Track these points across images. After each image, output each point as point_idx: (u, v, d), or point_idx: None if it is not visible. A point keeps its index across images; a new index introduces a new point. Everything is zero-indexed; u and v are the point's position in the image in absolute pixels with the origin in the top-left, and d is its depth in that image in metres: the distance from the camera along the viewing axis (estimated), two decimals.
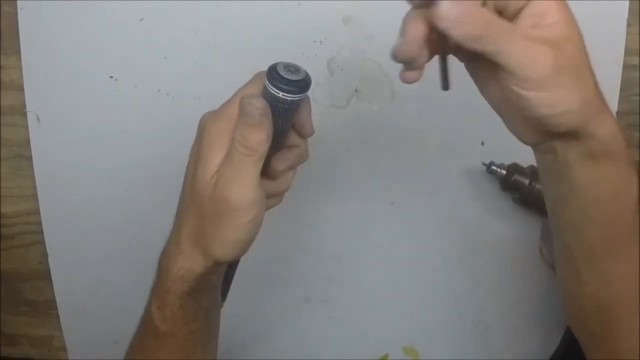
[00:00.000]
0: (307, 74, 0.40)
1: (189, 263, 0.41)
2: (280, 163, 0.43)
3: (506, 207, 0.63)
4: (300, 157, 0.44)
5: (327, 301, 0.66)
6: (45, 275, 0.65)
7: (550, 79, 0.33)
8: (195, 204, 0.41)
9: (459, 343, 0.67)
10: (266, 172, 0.42)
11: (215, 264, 0.41)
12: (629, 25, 0.56)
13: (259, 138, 0.38)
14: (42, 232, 0.63)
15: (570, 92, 0.34)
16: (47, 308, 0.67)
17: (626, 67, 0.58)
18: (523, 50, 0.33)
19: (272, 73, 0.39)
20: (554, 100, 0.34)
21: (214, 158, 0.40)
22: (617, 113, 0.59)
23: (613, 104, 0.58)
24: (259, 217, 0.40)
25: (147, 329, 0.43)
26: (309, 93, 0.41)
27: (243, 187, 0.39)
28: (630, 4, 0.56)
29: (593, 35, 0.56)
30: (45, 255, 0.64)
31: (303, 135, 0.43)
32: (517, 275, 0.64)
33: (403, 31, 0.35)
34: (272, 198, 0.44)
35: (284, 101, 0.39)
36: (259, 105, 0.38)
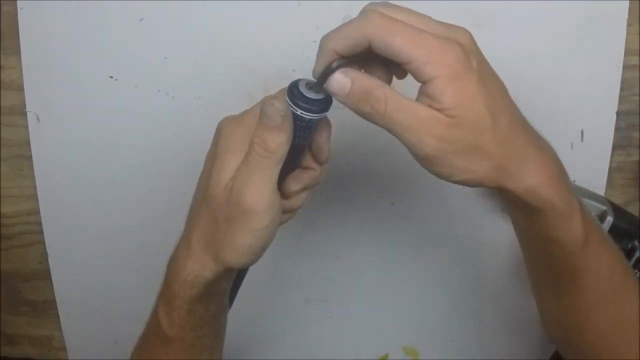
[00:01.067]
0: (327, 94, 0.39)
1: (199, 267, 0.40)
2: (293, 183, 0.42)
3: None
4: (315, 180, 0.43)
5: (327, 301, 0.66)
6: (45, 275, 0.65)
7: (437, 159, 0.36)
8: (209, 207, 0.40)
9: (459, 343, 0.67)
10: (280, 189, 0.41)
11: (225, 270, 0.40)
12: (629, 25, 0.56)
13: (278, 140, 0.38)
14: (42, 232, 0.63)
15: (459, 170, 0.36)
16: (47, 308, 0.67)
17: (626, 67, 0.57)
18: (409, 131, 0.35)
19: (293, 90, 0.38)
20: (446, 174, 0.37)
21: (231, 162, 0.39)
22: (617, 113, 0.59)
23: (613, 104, 0.58)
24: (274, 223, 0.39)
25: (154, 332, 0.43)
26: (332, 120, 0.41)
27: (258, 190, 0.38)
28: (630, 4, 0.56)
29: (593, 35, 0.57)
30: (45, 255, 0.64)
31: (319, 160, 0.43)
32: (517, 275, 0.64)
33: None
34: (284, 214, 0.43)
35: (302, 119, 0.39)
36: (280, 107, 0.38)
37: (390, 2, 0.36)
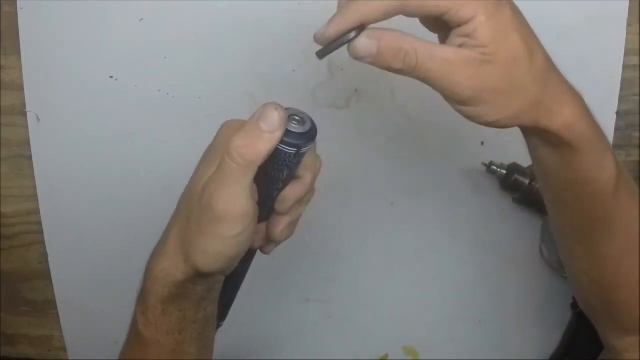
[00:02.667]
0: (312, 125, 0.37)
1: (171, 266, 0.39)
2: (282, 204, 0.41)
3: (506, 207, 0.63)
4: (304, 188, 0.41)
5: (326, 301, 0.66)
6: (45, 275, 0.65)
7: (473, 100, 0.35)
8: (187, 206, 0.39)
9: (459, 343, 0.67)
10: (271, 210, 0.41)
11: (196, 273, 0.38)
12: (629, 25, 0.56)
13: (260, 149, 0.36)
14: (42, 232, 0.63)
15: (497, 107, 0.36)
16: (47, 308, 0.67)
17: (626, 67, 0.57)
18: (443, 77, 0.34)
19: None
20: (482, 114, 0.36)
21: (214, 165, 0.38)
22: (617, 113, 0.59)
23: (613, 104, 0.58)
24: (246, 234, 0.38)
25: (132, 334, 0.42)
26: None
27: (229, 198, 0.36)
28: (630, 4, 0.56)
29: (593, 35, 0.57)
30: (45, 255, 0.64)
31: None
32: (517, 275, 0.64)
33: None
34: (283, 231, 0.42)
35: (285, 154, 0.37)
36: (283, 116, 0.36)
37: None
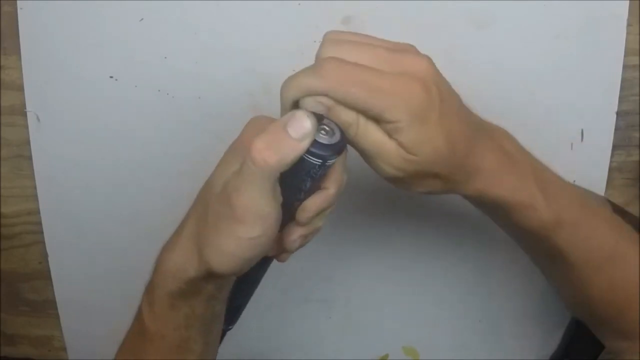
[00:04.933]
0: (341, 137, 0.36)
1: (184, 261, 0.38)
2: (302, 214, 0.40)
3: None
4: (327, 200, 0.40)
5: (326, 301, 0.66)
6: (45, 275, 0.65)
7: (393, 179, 0.38)
8: (206, 201, 0.38)
9: (459, 343, 0.67)
10: (290, 219, 0.40)
11: (208, 272, 0.37)
12: (629, 25, 0.56)
13: (285, 155, 0.34)
14: (42, 232, 0.63)
15: (414, 186, 0.39)
16: (47, 308, 0.67)
17: (626, 67, 0.57)
18: (371, 158, 0.38)
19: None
20: (403, 189, 0.40)
21: (237, 162, 0.37)
22: (617, 113, 0.59)
23: (613, 104, 0.58)
24: (264, 237, 0.36)
25: (136, 327, 0.41)
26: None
27: (249, 198, 0.35)
28: (630, 4, 0.56)
29: (593, 35, 0.57)
30: (45, 255, 0.64)
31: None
32: (517, 275, 0.64)
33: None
34: (295, 241, 0.41)
35: (310, 164, 0.36)
36: (314, 123, 0.35)
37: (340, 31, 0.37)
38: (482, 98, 0.39)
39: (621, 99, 0.58)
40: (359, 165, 0.62)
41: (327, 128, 0.36)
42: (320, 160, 0.35)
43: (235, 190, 0.35)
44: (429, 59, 0.37)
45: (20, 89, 0.59)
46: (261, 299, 0.65)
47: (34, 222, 0.63)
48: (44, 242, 0.64)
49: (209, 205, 0.38)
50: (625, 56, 0.57)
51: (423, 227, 0.64)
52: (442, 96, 0.36)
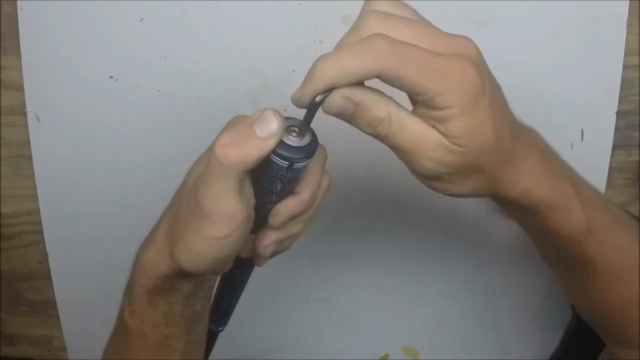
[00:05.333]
0: (312, 141, 0.35)
1: (157, 258, 0.38)
2: (274, 217, 0.38)
3: None
4: (300, 205, 0.38)
5: (326, 301, 0.66)
6: (45, 275, 0.65)
7: (432, 177, 0.36)
8: (179, 198, 0.38)
9: (459, 343, 0.67)
10: (263, 222, 0.38)
11: (179, 270, 0.37)
12: (629, 25, 0.56)
13: (249, 153, 0.33)
14: (42, 232, 0.63)
15: (455, 185, 0.36)
16: (47, 308, 0.67)
17: (626, 67, 0.57)
18: (409, 153, 0.34)
19: None
20: (439, 188, 0.37)
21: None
22: (617, 113, 0.59)
23: (613, 104, 0.58)
24: (232, 238, 0.35)
25: (119, 326, 0.41)
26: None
27: (215, 197, 0.34)
28: (630, 4, 0.56)
29: (593, 36, 0.57)
30: (45, 255, 0.64)
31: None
32: (517, 275, 0.64)
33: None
34: (268, 246, 0.40)
35: (277, 166, 0.34)
36: (281, 125, 0.33)
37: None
38: None
39: (621, 99, 0.58)
40: (359, 165, 0.62)
41: (297, 130, 0.34)
42: (287, 163, 0.34)
43: (202, 187, 0.34)
44: (475, 45, 0.34)
45: (20, 89, 0.59)
46: (261, 299, 0.65)
47: (34, 222, 0.63)
48: (44, 242, 0.64)
49: (181, 202, 0.37)
50: (625, 56, 0.57)
51: (423, 227, 0.64)
52: (490, 81, 0.34)
